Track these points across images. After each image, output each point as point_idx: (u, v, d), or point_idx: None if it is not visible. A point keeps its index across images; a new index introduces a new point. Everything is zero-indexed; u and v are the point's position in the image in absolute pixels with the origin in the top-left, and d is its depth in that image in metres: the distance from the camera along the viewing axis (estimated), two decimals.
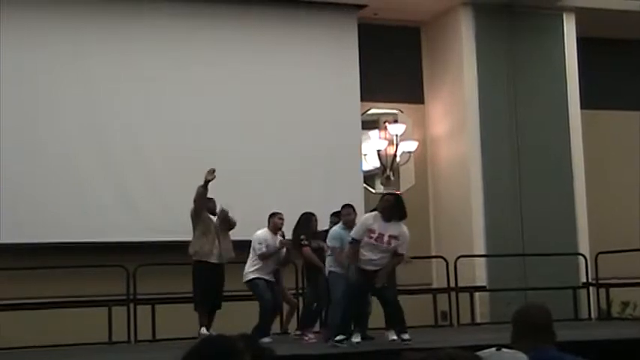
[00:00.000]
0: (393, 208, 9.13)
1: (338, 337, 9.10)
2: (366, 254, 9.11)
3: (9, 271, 11.79)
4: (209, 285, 10.32)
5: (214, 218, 10.52)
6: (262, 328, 10.25)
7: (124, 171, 12.64)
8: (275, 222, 10.71)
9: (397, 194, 9.41)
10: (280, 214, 10.75)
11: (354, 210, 10.36)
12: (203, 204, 10.35)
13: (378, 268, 9.11)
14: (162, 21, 13.04)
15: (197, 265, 10.44)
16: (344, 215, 10.25)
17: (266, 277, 10.54)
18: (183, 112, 12.94)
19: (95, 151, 12.56)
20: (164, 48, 13.01)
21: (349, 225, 9.94)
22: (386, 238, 9.03)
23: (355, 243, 9.17)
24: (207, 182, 10.09)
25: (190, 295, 11.22)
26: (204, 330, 10.19)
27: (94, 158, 12.54)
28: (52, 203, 12.26)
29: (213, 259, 10.37)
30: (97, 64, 12.69)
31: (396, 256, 9.16)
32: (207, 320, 10.37)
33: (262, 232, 10.66)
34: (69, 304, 11.71)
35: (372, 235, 9.05)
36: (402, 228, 9.17)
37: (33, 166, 12.26)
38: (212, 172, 10.01)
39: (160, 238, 12.45)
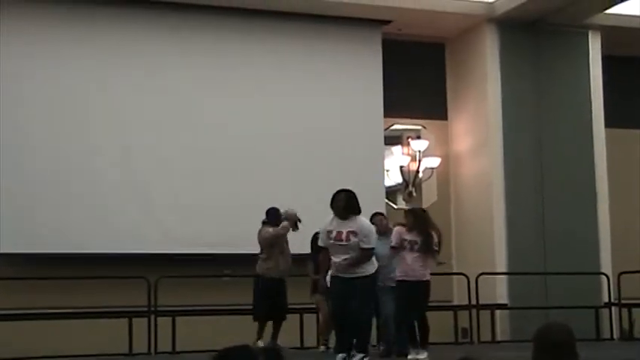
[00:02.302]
0: (344, 205, 8.88)
1: (339, 356, 8.89)
2: (333, 259, 8.87)
3: (30, 281, 11.88)
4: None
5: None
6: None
7: (146, 183, 12.69)
8: (376, 223, 10.38)
9: (347, 190, 8.98)
10: (382, 214, 10.76)
11: (384, 217, 10.41)
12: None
13: (350, 275, 8.79)
14: (187, 35, 13.10)
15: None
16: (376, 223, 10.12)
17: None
18: (206, 125, 13.00)
19: (118, 165, 12.62)
20: (189, 62, 13.07)
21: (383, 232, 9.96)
22: (344, 235, 8.78)
23: (323, 251, 9.04)
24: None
25: (210, 307, 11.35)
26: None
27: (117, 170, 12.60)
28: (75, 214, 12.33)
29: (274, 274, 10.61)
30: (121, 77, 12.77)
31: (362, 251, 8.76)
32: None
33: None
34: (90, 314, 11.77)
35: (330, 235, 8.84)
36: (361, 222, 8.89)
37: (58, 179, 12.33)
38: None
39: (181, 250, 12.51)
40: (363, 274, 8.83)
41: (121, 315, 11.62)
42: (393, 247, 9.64)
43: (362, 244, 8.76)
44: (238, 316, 11.54)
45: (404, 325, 9.69)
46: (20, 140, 12.28)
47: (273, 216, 10.68)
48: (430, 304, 13.04)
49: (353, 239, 8.76)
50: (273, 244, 10.56)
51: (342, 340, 9.04)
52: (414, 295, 9.47)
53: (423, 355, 9.52)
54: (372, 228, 9.04)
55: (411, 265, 9.46)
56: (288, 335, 11.04)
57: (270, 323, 10.63)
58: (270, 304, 10.53)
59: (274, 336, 10.60)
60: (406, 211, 10.19)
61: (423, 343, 9.70)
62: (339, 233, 8.80)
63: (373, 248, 8.89)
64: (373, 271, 8.93)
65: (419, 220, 9.69)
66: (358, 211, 8.94)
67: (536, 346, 3.95)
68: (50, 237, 12.19)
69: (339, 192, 9.01)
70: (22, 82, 12.38)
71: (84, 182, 12.42)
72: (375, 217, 10.37)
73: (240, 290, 11.94)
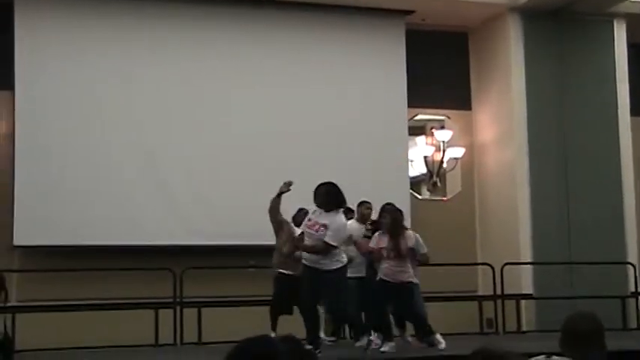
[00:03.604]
0: (324, 198, 8.96)
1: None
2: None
3: (56, 273, 11.98)
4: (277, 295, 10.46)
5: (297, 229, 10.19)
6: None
7: (171, 175, 12.74)
8: (362, 212, 10.40)
9: (328, 183, 9.04)
10: (368, 203, 10.38)
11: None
12: (275, 215, 10.15)
13: (315, 265, 8.93)
14: (208, 28, 13.12)
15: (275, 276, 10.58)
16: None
17: (354, 275, 10.01)
18: (228, 117, 13.03)
19: (142, 156, 12.68)
20: (211, 56, 13.09)
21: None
22: (316, 226, 8.90)
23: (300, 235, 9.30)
24: (280, 194, 9.83)
25: (236, 298, 11.39)
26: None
27: (142, 163, 12.66)
28: (101, 207, 12.40)
29: (288, 270, 10.29)
30: (142, 69, 12.81)
31: (322, 242, 8.81)
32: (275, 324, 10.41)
33: (349, 224, 10.19)
34: (116, 306, 11.84)
35: (307, 223, 9.06)
36: (335, 217, 8.91)
37: (83, 172, 12.41)
38: (288, 184, 9.67)
39: (206, 242, 12.56)
40: (330, 268, 8.93)
41: (147, 306, 11.69)
42: (370, 252, 9.74)
43: (326, 237, 8.83)
44: (264, 306, 11.56)
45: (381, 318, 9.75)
46: (46, 133, 12.37)
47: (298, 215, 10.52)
48: (455, 294, 13.09)
49: (321, 232, 8.86)
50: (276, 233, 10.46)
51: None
52: (393, 297, 9.55)
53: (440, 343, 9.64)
54: (344, 227, 9.06)
55: (390, 269, 9.50)
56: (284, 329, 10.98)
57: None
58: (276, 297, 10.47)
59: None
60: (383, 211, 9.96)
61: (425, 334, 9.79)
62: (314, 224, 8.94)
63: (334, 247, 8.93)
64: (340, 266, 9.01)
65: (394, 223, 9.61)
66: (338, 205, 9.00)
67: (563, 335, 3.95)
68: (76, 229, 12.26)
69: (320, 185, 9.09)
70: (41, 75, 12.46)
71: (109, 175, 12.47)
72: (361, 206, 10.45)
73: (264, 281, 11.98)
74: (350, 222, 10.35)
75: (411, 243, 9.63)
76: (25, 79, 12.41)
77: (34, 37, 12.50)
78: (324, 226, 8.86)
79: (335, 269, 8.98)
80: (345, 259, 9.14)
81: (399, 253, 9.48)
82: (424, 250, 9.94)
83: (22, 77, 12.39)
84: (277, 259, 10.44)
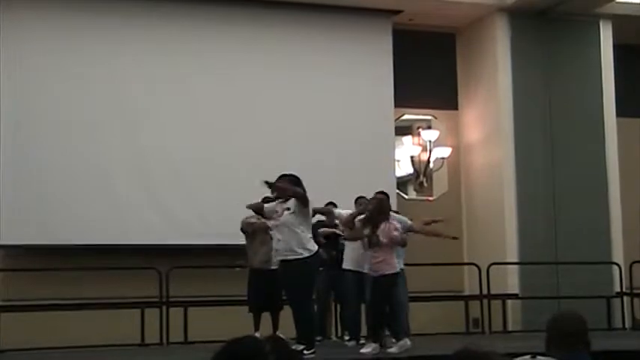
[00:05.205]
0: (280, 190, 9.04)
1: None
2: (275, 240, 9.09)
3: (42, 272, 11.94)
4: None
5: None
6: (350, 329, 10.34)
7: (157, 174, 12.71)
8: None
9: (287, 175, 9.13)
10: (365, 198, 10.18)
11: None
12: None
13: (285, 256, 8.82)
14: (196, 28, 13.10)
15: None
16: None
17: (354, 268, 10.00)
18: (216, 117, 13.00)
19: (128, 155, 12.64)
20: (197, 52, 13.07)
21: None
22: (280, 213, 8.90)
23: None
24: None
25: (222, 298, 11.38)
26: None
27: (128, 162, 12.63)
28: (86, 206, 12.35)
29: (256, 265, 10.37)
30: (130, 70, 12.78)
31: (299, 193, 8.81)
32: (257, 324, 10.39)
33: (342, 212, 10.32)
34: (102, 305, 11.81)
35: (274, 216, 9.04)
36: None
37: (67, 169, 12.37)
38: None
39: (192, 241, 12.53)
40: (296, 257, 8.74)
41: (134, 306, 11.66)
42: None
43: (294, 205, 8.82)
44: None
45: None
46: (31, 133, 12.33)
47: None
48: (441, 294, 13.11)
49: (286, 213, 8.86)
50: (252, 233, 10.42)
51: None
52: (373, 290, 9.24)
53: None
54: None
55: (371, 261, 9.21)
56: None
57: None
58: (255, 295, 10.35)
59: (274, 328, 10.29)
60: (376, 195, 9.58)
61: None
62: (281, 212, 8.93)
63: (305, 195, 8.90)
64: (307, 255, 8.78)
65: (379, 208, 9.30)
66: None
67: (548, 335, 3.96)
68: (62, 228, 12.22)
69: (281, 176, 9.13)
70: (26, 75, 12.41)
71: (94, 174, 12.43)
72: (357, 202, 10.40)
73: None
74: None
75: (394, 229, 9.14)
76: (9, 80, 12.33)
77: (18, 38, 12.42)
78: (288, 208, 8.87)
79: (301, 258, 8.75)
80: (312, 248, 8.88)
81: (377, 242, 9.06)
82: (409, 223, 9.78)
83: (6, 77, 12.32)
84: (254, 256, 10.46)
